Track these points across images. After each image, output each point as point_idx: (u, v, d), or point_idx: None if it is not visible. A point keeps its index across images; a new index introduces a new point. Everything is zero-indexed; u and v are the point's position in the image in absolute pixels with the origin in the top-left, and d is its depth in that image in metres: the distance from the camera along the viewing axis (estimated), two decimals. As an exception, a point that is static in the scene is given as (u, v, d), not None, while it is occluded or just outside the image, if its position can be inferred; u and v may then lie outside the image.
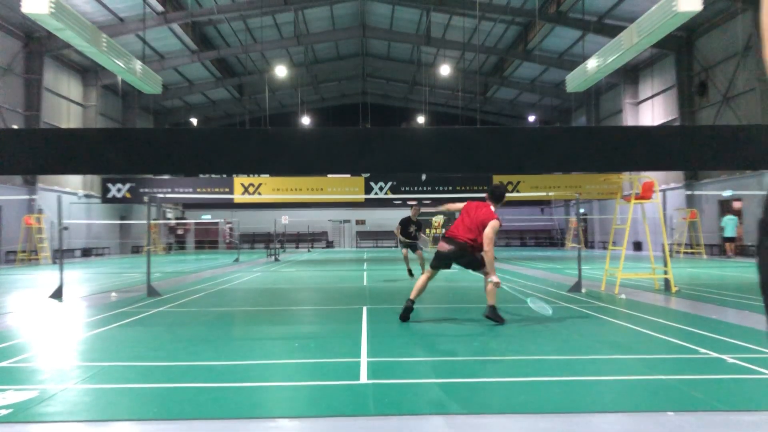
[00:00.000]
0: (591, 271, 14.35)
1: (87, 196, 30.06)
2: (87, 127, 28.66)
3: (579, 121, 36.71)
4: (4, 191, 23.11)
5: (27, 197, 23.69)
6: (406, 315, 6.85)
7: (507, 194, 7.49)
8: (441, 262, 6.91)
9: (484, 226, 6.61)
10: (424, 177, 28.30)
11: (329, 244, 42.77)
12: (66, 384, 4.06)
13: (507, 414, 3.35)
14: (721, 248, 23.12)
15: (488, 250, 6.55)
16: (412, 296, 6.94)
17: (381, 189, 29.04)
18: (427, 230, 40.18)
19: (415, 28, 30.96)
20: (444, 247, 6.84)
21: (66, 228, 10.92)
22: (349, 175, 29.31)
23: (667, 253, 10.32)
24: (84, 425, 3.27)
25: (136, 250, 34.80)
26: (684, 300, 8.84)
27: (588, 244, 35.95)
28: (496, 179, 28.80)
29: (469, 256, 6.72)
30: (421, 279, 7.02)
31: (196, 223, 41.47)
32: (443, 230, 36.83)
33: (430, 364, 4.74)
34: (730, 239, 22.13)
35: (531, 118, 40.01)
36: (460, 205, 7.22)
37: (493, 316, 6.58)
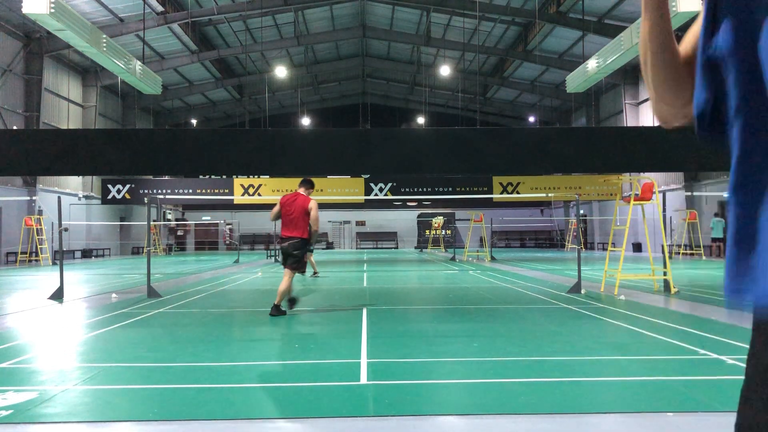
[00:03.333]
0: (590, 272, 14.36)
1: (87, 197, 30.06)
2: (87, 127, 28.68)
3: (579, 121, 36.71)
4: (4, 192, 23.12)
5: (27, 198, 23.69)
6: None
7: (507, 195, 8.28)
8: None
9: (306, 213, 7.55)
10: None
11: (329, 245, 42.78)
12: (66, 385, 4.06)
13: (507, 414, 3.35)
14: (717, 249, 23.50)
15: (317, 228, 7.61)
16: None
17: (381, 190, 29.02)
18: (427, 231, 40.23)
19: (415, 28, 30.97)
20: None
21: (66, 229, 10.92)
22: (349, 176, 29.30)
23: (667, 254, 10.32)
24: (84, 426, 3.27)
25: (136, 251, 34.80)
26: (683, 301, 8.84)
27: (587, 246, 35.95)
28: (496, 180, 28.84)
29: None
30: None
31: (196, 224, 41.47)
32: (443, 231, 36.87)
33: (429, 365, 4.74)
34: (718, 240, 22.74)
35: (531, 119, 40.02)
36: (276, 209, 7.72)
37: (277, 312, 7.40)
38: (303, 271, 7.76)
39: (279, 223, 7.74)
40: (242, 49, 30.34)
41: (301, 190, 7.74)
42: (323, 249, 41.26)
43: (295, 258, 7.47)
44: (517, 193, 28.85)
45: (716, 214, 23.73)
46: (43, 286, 12.15)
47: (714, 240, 23.09)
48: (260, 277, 14.80)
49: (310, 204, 7.53)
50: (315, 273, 14.18)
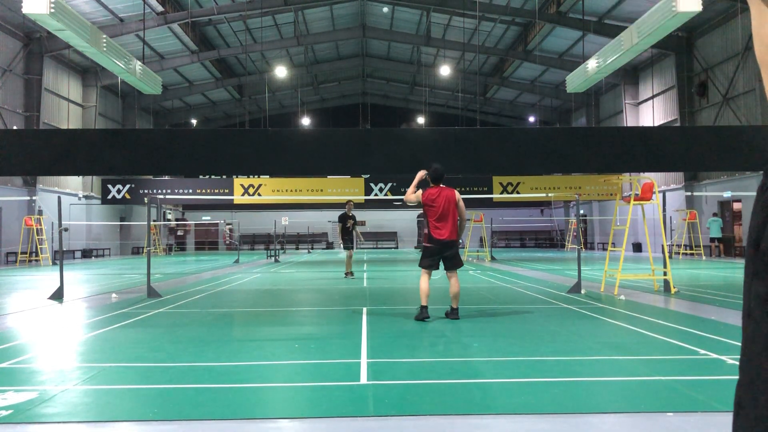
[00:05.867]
0: (590, 272, 14.35)
1: (87, 197, 30.05)
2: (87, 127, 28.68)
3: (579, 121, 36.70)
4: (4, 192, 23.11)
5: (27, 198, 23.68)
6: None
7: (507, 195, 7.94)
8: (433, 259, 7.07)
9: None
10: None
11: (329, 246, 42.77)
12: (66, 385, 4.06)
13: (507, 414, 3.35)
14: (717, 249, 23.59)
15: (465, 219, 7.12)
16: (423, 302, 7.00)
17: (381, 190, 29.03)
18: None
19: (415, 28, 30.98)
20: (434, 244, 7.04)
21: (66, 229, 10.93)
22: (348, 176, 29.30)
23: (667, 254, 10.32)
24: (84, 426, 3.27)
25: (136, 251, 34.79)
26: (683, 301, 8.84)
27: (587, 245, 35.95)
28: (496, 180, 28.84)
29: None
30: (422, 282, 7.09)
31: (196, 224, 41.47)
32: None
33: (429, 364, 4.74)
34: (716, 239, 22.82)
35: (531, 119, 40.02)
36: (420, 198, 7.09)
37: (456, 316, 6.98)
38: (460, 264, 7.06)
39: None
40: (242, 49, 30.33)
41: (441, 184, 7.05)
42: (323, 249, 41.26)
43: (454, 258, 6.95)
44: (517, 193, 28.85)
45: (714, 214, 23.76)
46: (43, 286, 12.15)
47: (712, 240, 23.12)
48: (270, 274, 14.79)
49: (457, 196, 6.95)
50: (347, 273, 13.75)
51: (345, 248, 13.59)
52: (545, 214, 42.89)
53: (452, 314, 7.01)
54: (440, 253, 6.93)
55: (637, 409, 3.47)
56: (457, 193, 7.00)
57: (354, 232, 13.51)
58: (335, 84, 41.10)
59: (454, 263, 6.96)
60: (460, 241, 7.24)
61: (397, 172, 22.25)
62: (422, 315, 6.91)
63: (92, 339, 5.98)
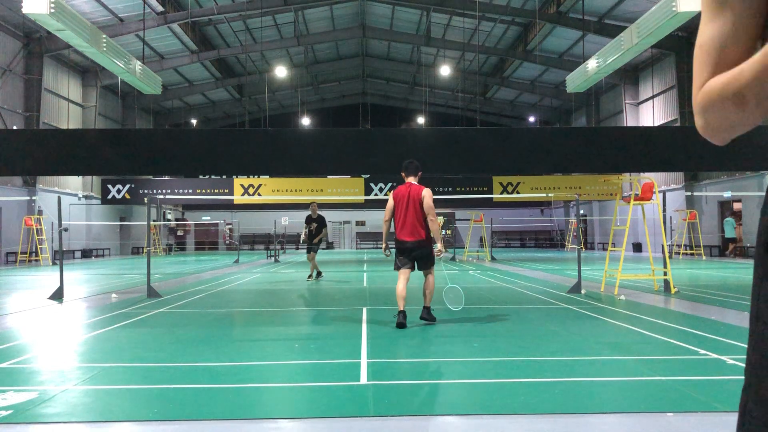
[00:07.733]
0: (590, 272, 14.35)
1: (87, 197, 30.05)
2: (86, 127, 28.66)
3: (579, 121, 36.70)
4: (4, 192, 23.11)
5: (27, 198, 23.69)
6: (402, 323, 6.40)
7: (507, 195, 7.60)
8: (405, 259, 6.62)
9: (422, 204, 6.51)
10: None
11: (329, 246, 42.75)
12: (66, 385, 4.06)
13: (507, 415, 3.35)
14: (722, 249, 23.63)
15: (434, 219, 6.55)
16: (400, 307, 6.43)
17: (381, 190, 29.03)
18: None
19: (415, 28, 30.97)
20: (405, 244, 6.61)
21: (66, 229, 10.93)
22: (349, 176, 29.30)
23: (667, 254, 10.32)
24: (84, 426, 3.27)
25: (136, 251, 34.80)
26: (683, 301, 8.84)
27: (587, 245, 35.95)
28: (496, 180, 28.84)
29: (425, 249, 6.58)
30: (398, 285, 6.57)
31: (196, 224, 41.46)
32: (443, 231, 36.87)
33: (429, 365, 4.74)
34: (731, 240, 22.73)
35: (531, 119, 40.01)
36: (389, 204, 6.69)
37: (428, 316, 6.64)
38: (432, 263, 6.66)
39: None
40: (242, 49, 30.33)
41: (412, 179, 6.70)
42: (323, 249, 41.23)
43: (426, 258, 6.56)
44: (517, 193, 28.85)
45: (732, 214, 23.82)
46: (43, 286, 12.15)
47: (729, 240, 23.09)
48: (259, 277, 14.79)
49: (423, 192, 6.47)
50: (320, 274, 13.47)
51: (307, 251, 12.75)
52: (545, 214, 42.88)
53: (424, 313, 6.59)
54: (409, 253, 6.51)
55: (637, 409, 3.47)
56: (426, 191, 6.51)
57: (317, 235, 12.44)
58: (335, 84, 41.10)
59: (425, 263, 6.59)
60: (440, 246, 6.58)
61: (398, 172, 22.22)
62: (399, 320, 6.32)
63: (92, 339, 5.98)
